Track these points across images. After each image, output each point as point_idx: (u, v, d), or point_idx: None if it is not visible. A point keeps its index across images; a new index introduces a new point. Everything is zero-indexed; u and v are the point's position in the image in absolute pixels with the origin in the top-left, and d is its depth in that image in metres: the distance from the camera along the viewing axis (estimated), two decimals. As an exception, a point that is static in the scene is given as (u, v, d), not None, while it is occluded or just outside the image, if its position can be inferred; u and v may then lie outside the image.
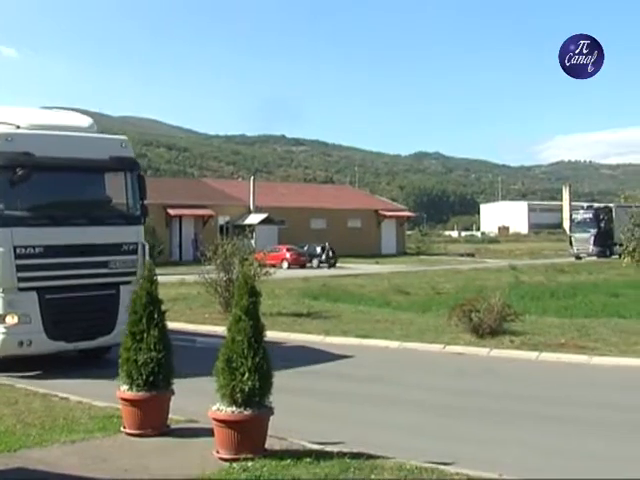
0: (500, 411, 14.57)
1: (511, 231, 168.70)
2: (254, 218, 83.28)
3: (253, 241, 58.79)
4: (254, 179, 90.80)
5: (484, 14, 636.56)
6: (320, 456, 10.37)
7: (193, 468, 10.12)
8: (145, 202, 19.94)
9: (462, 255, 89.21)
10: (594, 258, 73.28)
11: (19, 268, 17.38)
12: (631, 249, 20.72)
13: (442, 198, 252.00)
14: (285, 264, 67.49)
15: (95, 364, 18.62)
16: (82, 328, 18.19)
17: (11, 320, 17.38)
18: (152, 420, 11.71)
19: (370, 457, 10.44)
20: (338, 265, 71.00)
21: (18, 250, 17.38)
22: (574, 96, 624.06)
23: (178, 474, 9.99)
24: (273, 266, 46.48)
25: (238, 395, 10.19)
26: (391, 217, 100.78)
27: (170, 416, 12.10)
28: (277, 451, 10.53)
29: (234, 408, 10.25)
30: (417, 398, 15.73)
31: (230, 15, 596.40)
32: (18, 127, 18.30)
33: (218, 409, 10.39)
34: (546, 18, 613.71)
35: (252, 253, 31.72)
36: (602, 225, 78.36)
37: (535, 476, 10.52)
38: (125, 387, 11.74)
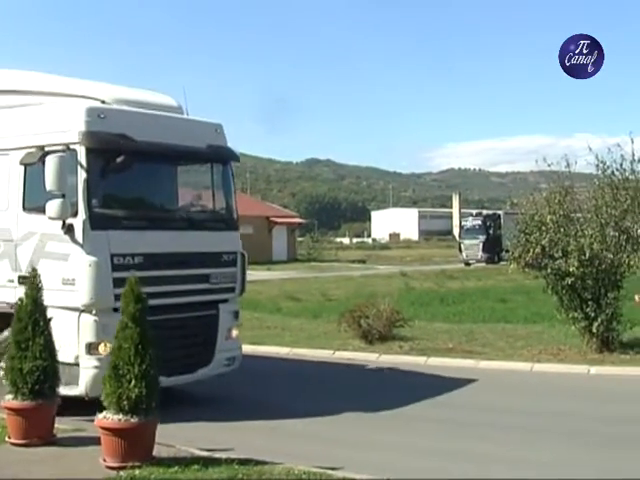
0: (389, 416, 14.67)
1: (402, 238, 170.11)
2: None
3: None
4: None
5: (376, 19, 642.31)
6: (208, 463, 10.39)
7: (80, 476, 10.03)
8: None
9: (353, 261, 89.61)
10: (483, 264, 74.39)
11: (117, 283, 13.28)
12: (517, 255, 21.03)
13: (334, 205, 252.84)
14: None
15: None
16: (182, 358, 14.74)
17: (104, 350, 13.12)
18: (38, 429, 11.50)
19: (259, 463, 10.48)
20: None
21: (115, 259, 13.71)
22: (464, 104, 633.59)
23: (64, 483, 9.90)
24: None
25: (125, 402, 10.12)
26: (282, 224, 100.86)
27: (57, 425, 11.92)
28: (165, 458, 10.48)
29: (121, 416, 10.18)
30: (305, 404, 15.76)
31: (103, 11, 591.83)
32: (103, 102, 14.66)
33: (105, 417, 10.31)
34: (438, 23, 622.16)
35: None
36: (491, 232, 79.58)
37: (420, 476, 10.68)
38: (10, 396, 11.53)
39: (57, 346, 12.08)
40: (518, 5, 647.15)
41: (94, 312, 13.43)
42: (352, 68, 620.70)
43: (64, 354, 12.95)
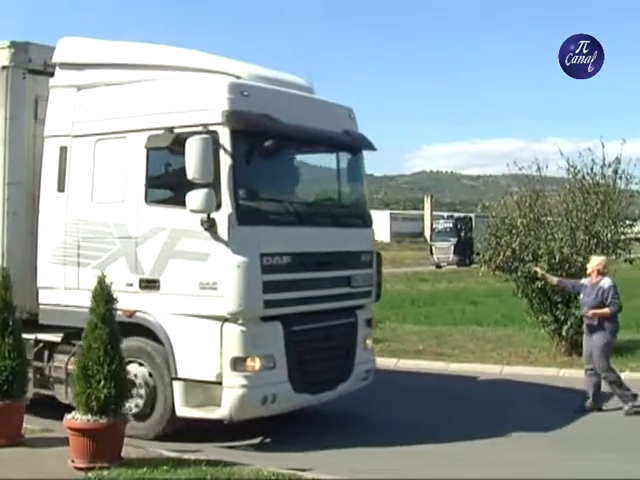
0: (359, 418, 14.63)
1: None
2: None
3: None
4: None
5: (348, 26, 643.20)
6: (177, 464, 10.32)
7: (48, 477, 9.99)
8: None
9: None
10: (454, 267, 74.40)
11: (266, 287, 11.78)
12: (487, 258, 21.09)
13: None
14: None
15: None
16: (324, 372, 13.08)
17: (253, 365, 11.69)
18: (6, 430, 11.41)
19: (228, 464, 10.46)
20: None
21: (265, 260, 11.81)
22: (437, 107, 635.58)
23: (32, 484, 9.85)
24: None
25: (94, 403, 10.07)
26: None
27: (25, 425, 11.84)
28: (134, 459, 10.45)
29: (89, 416, 10.12)
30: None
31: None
32: (238, 78, 12.51)
33: (73, 417, 10.26)
34: (413, 27, 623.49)
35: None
36: (462, 234, 79.50)
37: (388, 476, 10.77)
38: (-22, 397, 11.44)
39: (192, 362, 11.18)
40: (492, 13, 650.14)
41: (240, 321, 11.62)
42: (326, 70, 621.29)
43: (202, 371, 11.73)
